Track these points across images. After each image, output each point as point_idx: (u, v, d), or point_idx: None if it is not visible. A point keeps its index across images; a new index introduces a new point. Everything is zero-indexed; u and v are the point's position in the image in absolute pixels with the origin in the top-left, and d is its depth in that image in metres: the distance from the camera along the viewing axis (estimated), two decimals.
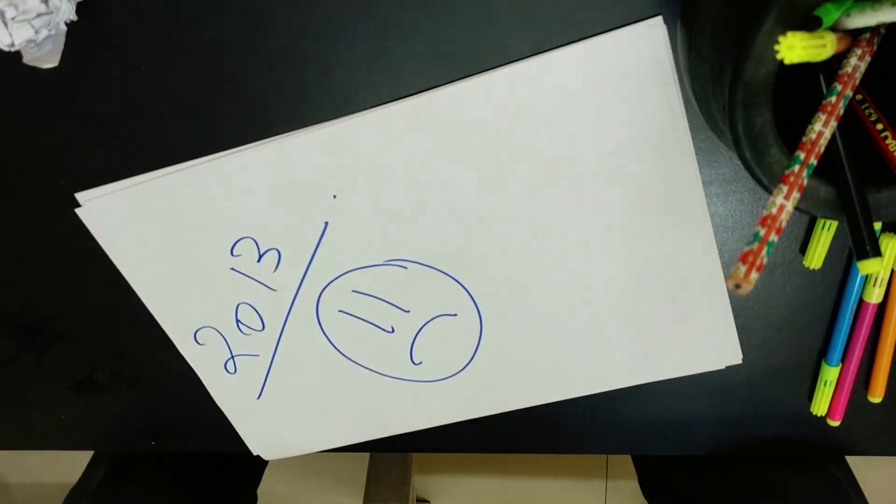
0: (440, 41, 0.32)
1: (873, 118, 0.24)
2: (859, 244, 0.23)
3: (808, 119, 0.22)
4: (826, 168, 0.23)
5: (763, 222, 0.19)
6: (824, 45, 0.20)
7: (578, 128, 0.33)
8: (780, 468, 0.46)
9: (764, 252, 0.18)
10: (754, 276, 0.17)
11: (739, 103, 0.22)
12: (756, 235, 0.18)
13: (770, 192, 0.23)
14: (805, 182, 0.20)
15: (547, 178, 0.35)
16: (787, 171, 0.20)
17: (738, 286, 0.17)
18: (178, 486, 0.54)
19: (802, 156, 0.20)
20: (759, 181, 0.24)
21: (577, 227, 0.36)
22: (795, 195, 0.20)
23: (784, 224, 0.19)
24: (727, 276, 0.18)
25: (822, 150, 0.21)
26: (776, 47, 0.19)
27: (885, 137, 0.24)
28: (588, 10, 0.31)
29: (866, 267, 0.23)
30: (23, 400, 0.47)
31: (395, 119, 0.34)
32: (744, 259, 0.18)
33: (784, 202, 0.19)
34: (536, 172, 0.35)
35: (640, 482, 0.61)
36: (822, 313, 0.38)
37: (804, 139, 0.21)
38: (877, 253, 0.23)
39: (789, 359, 0.40)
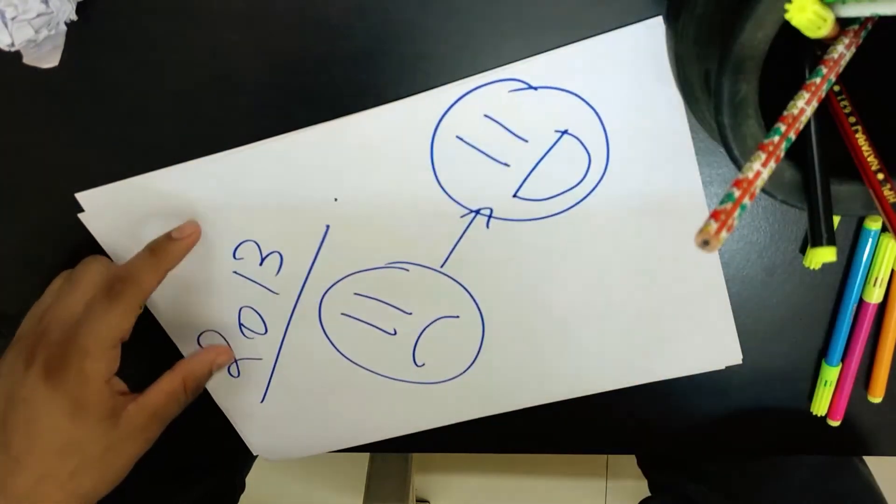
0: (440, 41, 0.32)
1: (847, 111, 0.25)
2: (816, 231, 0.24)
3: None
4: (796, 153, 0.23)
5: (738, 185, 0.19)
6: (825, 20, 0.20)
7: (577, 128, 0.33)
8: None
9: (736, 213, 0.18)
10: (724, 235, 0.17)
11: (730, 64, 0.22)
12: (730, 195, 0.18)
13: (739, 167, 0.23)
14: (782, 154, 0.20)
15: (546, 178, 0.35)
16: (766, 141, 0.20)
17: (706, 242, 0.17)
18: (163, 467, 0.53)
19: (783, 128, 0.20)
20: (729, 152, 0.24)
21: (577, 227, 0.36)
22: (772, 164, 0.20)
23: (758, 191, 0.19)
24: (696, 233, 0.18)
25: (802, 127, 0.21)
26: (787, 6, 0.20)
27: (856, 131, 0.24)
28: (588, 10, 0.31)
29: (818, 255, 0.24)
30: None
31: (395, 120, 0.34)
32: (716, 217, 0.18)
33: (761, 169, 0.20)
34: (536, 173, 0.35)
35: (637, 455, 0.61)
36: (822, 313, 0.38)
37: (786, 113, 0.21)
38: (832, 242, 0.24)
39: (789, 359, 0.40)
